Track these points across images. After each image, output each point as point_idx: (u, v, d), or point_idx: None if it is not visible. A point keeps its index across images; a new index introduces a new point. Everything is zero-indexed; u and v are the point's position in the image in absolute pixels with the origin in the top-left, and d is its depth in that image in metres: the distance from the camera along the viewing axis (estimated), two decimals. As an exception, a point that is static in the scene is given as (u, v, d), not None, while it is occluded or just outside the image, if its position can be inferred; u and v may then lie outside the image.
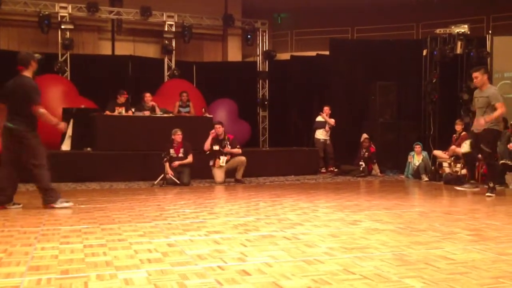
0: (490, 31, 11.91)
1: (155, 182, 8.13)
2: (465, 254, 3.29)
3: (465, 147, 7.04)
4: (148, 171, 8.70)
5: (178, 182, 8.16)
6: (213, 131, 8.67)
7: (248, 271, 2.85)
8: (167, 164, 8.12)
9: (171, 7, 13.21)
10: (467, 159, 7.38)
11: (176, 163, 8.27)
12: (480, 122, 6.60)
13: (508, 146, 8.31)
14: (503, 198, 6.87)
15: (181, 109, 10.41)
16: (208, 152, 8.70)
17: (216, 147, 8.68)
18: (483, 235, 3.98)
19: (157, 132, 9.02)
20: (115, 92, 9.85)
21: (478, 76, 6.78)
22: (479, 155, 7.14)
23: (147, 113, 9.62)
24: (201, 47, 14.91)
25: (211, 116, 10.30)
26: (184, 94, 10.52)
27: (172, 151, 8.36)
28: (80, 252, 3.32)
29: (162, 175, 8.11)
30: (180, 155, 8.42)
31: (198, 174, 8.82)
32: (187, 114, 10.36)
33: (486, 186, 6.84)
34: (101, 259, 3.12)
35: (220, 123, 8.88)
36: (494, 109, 6.55)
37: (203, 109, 10.41)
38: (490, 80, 11.00)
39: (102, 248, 3.45)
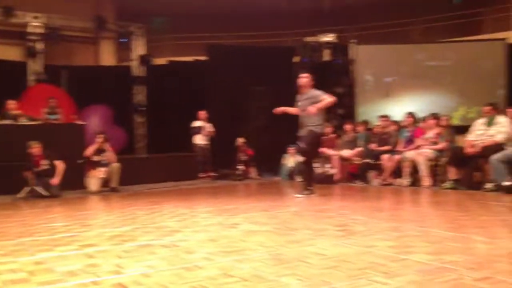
0: (353, 40, 12.84)
1: (18, 195, 7.51)
2: (335, 249, 3.49)
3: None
4: (12, 183, 7.99)
5: (46, 193, 7.62)
6: (99, 139, 8.40)
7: (124, 284, 2.75)
8: (30, 176, 7.57)
9: (37, 7, 12.33)
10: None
11: (55, 181, 7.78)
12: (310, 110, 6.61)
13: (369, 146, 9.05)
14: (367, 194, 7.45)
15: (49, 116, 9.76)
16: (86, 160, 8.31)
17: (96, 158, 8.41)
18: (350, 230, 4.27)
19: (23, 141, 8.31)
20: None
21: (308, 77, 6.86)
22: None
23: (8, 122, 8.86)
24: (72, 50, 14.11)
25: (83, 123, 9.80)
26: (52, 100, 9.88)
27: (33, 165, 7.81)
28: None
29: (29, 187, 7.53)
30: (44, 167, 7.87)
31: (69, 184, 8.31)
32: (56, 122, 9.73)
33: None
34: (-46, 285, 2.80)
35: (102, 133, 8.59)
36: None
37: (74, 116, 9.87)
38: (354, 85, 11.96)
39: (-44, 272, 3.09)
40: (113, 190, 8.38)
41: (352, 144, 9.40)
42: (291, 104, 7.24)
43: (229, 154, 10.89)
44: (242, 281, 2.75)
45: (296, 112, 7.07)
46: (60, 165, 7.94)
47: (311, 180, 7.01)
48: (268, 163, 11.09)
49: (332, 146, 9.65)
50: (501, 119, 7.31)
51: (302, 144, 6.79)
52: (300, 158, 6.95)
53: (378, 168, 8.65)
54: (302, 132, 6.89)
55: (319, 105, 6.65)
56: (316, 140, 6.92)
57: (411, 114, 8.92)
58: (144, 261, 3.26)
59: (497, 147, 7.01)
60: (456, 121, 10.82)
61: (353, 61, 12.00)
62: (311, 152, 6.93)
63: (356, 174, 9.05)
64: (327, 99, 6.71)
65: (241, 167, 10.44)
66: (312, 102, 6.70)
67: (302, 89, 6.90)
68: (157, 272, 2.98)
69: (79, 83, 12.71)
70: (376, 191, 7.81)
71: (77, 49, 14.34)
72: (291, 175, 9.97)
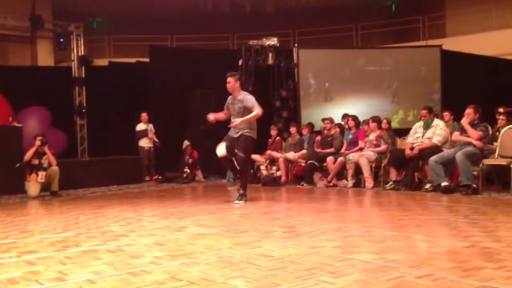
0: (296, 44, 13.05)
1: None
2: (282, 250, 3.53)
3: (221, 149, 6.56)
4: None
5: (-19, 200, 7.25)
6: (38, 141, 8.07)
7: (68, 291, 2.66)
8: None
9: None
10: (223, 163, 6.89)
11: None
12: (237, 123, 6.50)
13: (315, 149, 9.22)
14: (313, 196, 7.58)
15: (-17, 118, 9.29)
16: (24, 163, 7.96)
17: (35, 161, 8.07)
18: (297, 231, 4.33)
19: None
20: None
21: (231, 81, 6.64)
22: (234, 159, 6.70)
23: None
24: (6, 50, 13.52)
25: (20, 125, 9.40)
26: (-13, 101, 9.42)
27: None
28: None
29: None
30: None
31: (7, 189, 7.94)
32: (-9, 124, 9.29)
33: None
34: None
35: (43, 135, 8.25)
36: (250, 112, 6.53)
37: (10, 118, 9.46)
38: (298, 89, 12.15)
39: None
40: (54, 194, 8.08)
41: (297, 147, 9.54)
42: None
43: (174, 156, 10.77)
44: (190, 284, 2.72)
45: (224, 117, 6.93)
46: None
47: (246, 185, 6.78)
48: (214, 165, 11.04)
49: (277, 148, 9.76)
50: (438, 122, 7.66)
51: (239, 154, 6.55)
52: (238, 165, 6.74)
53: (323, 170, 8.83)
54: (232, 134, 6.68)
55: (248, 118, 6.46)
56: (252, 147, 6.79)
57: (353, 117, 9.16)
58: (88, 267, 3.17)
59: (435, 149, 7.33)
60: (395, 124, 11.23)
61: (296, 65, 12.19)
62: (248, 159, 6.87)
63: (302, 176, 9.19)
64: (257, 111, 6.48)
65: (187, 170, 10.35)
66: (243, 106, 6.54)
67: (232, 92, 6.72)
68: (103, 278, 2.91)
69: (15, 84, 12.17)
70: (321, 192, 7.96)
71: (12, 49, 13.76)
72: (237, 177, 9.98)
